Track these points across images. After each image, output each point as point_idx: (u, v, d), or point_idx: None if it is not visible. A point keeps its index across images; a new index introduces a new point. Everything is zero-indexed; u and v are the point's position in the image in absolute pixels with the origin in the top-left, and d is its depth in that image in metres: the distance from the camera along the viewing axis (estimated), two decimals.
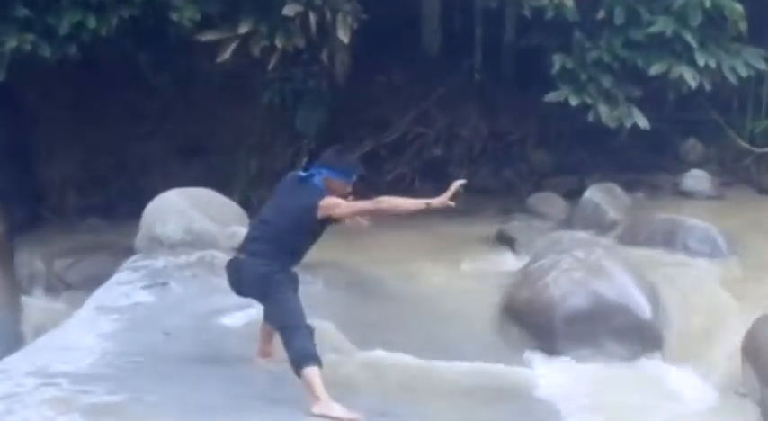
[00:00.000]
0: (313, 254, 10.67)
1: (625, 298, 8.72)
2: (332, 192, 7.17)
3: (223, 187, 12.10)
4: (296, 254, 7.34)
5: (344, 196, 7.26)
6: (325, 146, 12.95)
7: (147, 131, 13.77)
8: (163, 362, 7.70)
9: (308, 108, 13.07)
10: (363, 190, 13.05)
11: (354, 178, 7.37)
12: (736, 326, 8.32)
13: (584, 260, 9.16)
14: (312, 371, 6.76)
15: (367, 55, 12.92)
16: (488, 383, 7.82)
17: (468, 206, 12.72)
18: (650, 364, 8.39)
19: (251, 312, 8.88)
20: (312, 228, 7.25)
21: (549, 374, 8.19)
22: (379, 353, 8.23)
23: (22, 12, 11.20)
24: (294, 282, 7.39)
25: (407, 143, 13.71)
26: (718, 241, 10.71)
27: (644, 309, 8.70)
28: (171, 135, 13.74)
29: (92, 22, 11.21)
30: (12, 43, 11.05)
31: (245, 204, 12.13)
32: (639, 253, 10.42)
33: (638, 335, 8.54)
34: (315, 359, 6.80)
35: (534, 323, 8.72)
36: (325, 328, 8.18)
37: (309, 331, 6.94)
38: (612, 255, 9.43)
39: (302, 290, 9.40)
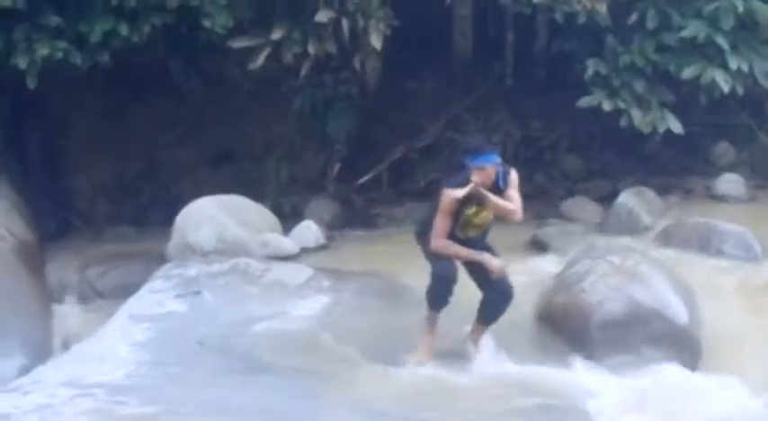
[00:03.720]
0: (341, 262, 10.77)
1: (662, 303, 8.62)
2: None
3: (254, 194, 12.08)
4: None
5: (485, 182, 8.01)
6: (356, 152, 13.14)
7: (178, 138, 13.75)
8: (197, 373, 7.70)
9: (338, 114, 13.02)
10: (395, 197, 13.23)
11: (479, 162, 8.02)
12: None
13: (620, 265, 9.08)
14: None
15: (398, 60, 12.88)
16: (525, 390, 7.79)
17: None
18: (688, 370, 8.29)
19: (284, 321, 8.90)
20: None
21: (585, 380, 8.13)
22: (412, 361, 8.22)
23: (54, 19, 11.20)
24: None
25: (439, 149, 13.63)
26: (753, 245, 10.62)
27: (681, 314, 8.60)
28: (201, 142, 13.72)
29: (124, 30, 11.20)
30: (43, 51, 11.05)
31: (277, 211, 12.11)
32: (674, 257, 10.32)
33: (675, 341, 8.43)
34: None
35: (570, 329, 8.64)
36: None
37: None
38: (648, 260, 9.35)
39: (333, 297, 9.49)
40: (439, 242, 8.14)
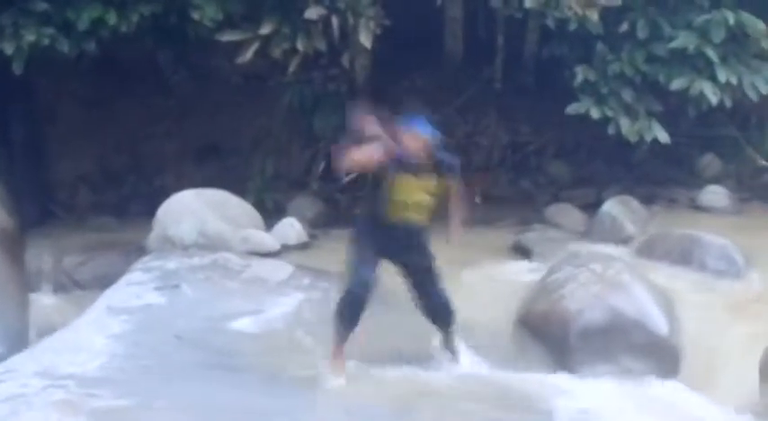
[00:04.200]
0: (322, 260, 10.71)
1: (643, 314, 8.56)
2: None
3: (237, 189, 12.04)
4: None
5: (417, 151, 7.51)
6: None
7: (164, 130, 13.73)
8: (173, 367, 7.64)
9: (326, 111, 12.99)
10: None
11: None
12: (754, 345, 8.23)
13: (601, 274, 9.03)
14: None
15: (388, 60, 12.85)
16: (502, 394, 7.75)
17: (485, 215, 12.73)
18: (666, 382, 8.25)
19: (262, 317, 8.84)
20: None
21: (562, 388, 8.09)
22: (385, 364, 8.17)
23: (41, 5, 11.14)
24: None
25: None
26: (736, 258, 10.60)
27: (662, 325, 8.55)
28: (187, 135, 13.69)
29: (112, 19, 11.16)
30: (30, 37, 11.00)
31: (260, 206, 12.07)
32: (656, 268, 10.32)
33: (654, 353, 8.38)
34: None
35: (550, 336, 8.58)
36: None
37: None
38: (630, 270, 9.31)
39: (313, 295, 9.43)
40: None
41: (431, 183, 7.63)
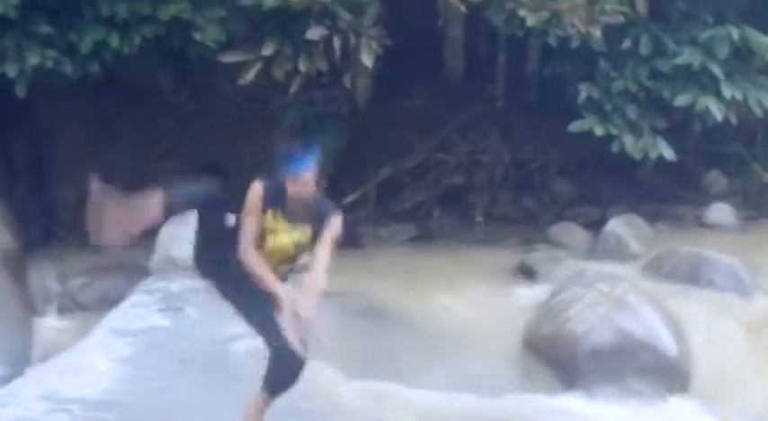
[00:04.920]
0: (329, 284, 10.65)
1: (651, 334, 8.55)
2: None
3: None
4: None
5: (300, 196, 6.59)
6: (343, 170, 13.05)
7: (165, 151, 13.66)
8: (178, 390, 7.60)
9: (328, 132, 12.92)
10: (380, 216, 13.14)
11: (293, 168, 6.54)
12: (764, 363, 8.20)
13: (608, 294, 9.01)
14: None
15: (389, 79, 12.79)
16: (510, 418, 7.71)
17: (488, 234, 12.70)
18: (676, 403, 8.22)
19: None
20: None
21: (570, 411, 8.05)
22: (388, 384, 8.12)
23: (45, 28, 11.11)
24: None
25: (428, 169, 13.57)
26: (743, 276, 10.53)
27: (670, 346, 8.53)
28: (188, 155, 13.62)
29: (115, 41, 11.12)
30: (33, 59, 10.96)
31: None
32: (663, 287, 10.24)
33: (663, 373, 8.37)
34: None
35: (556, 358, 8.57)
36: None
37: None
38: (637, 290, 9.27)
39: (319, 320, 9.37)
40: (250, 255, 6.47)
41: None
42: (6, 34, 11.09)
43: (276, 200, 6.55)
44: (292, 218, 6.59)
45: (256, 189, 6.53)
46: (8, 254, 10.63)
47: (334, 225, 6.60)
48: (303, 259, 6.79)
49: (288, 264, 6.76)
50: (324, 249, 6.52)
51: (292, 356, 6.39)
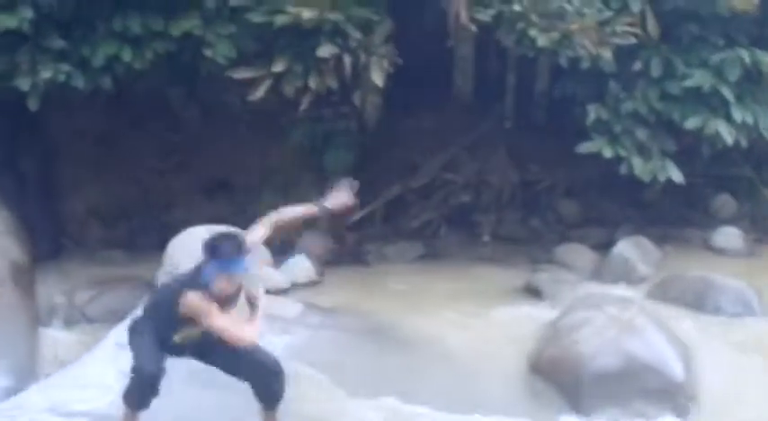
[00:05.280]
0: (331, 298, 10.69)
1: (657, 358, 8.53)
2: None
3: (246, 225, 11.96)
4: None
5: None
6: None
7: (173, 166, 13.69)
8: (183, 404, 7.60)
9: (336, 149, 12.97)
10: (387, 234, 13.15)
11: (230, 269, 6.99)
12: None
13: (616, 317, 8.98)
14: None
15: (398, 98, 12.83)
16: None
17: (494, 254, 12.70)
18: None
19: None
20: None
21: None
22: (394, 403, 8.12)
23: (58, 43, 11.17)
24: None
25: (435, 188, 13.57)
26: (751, 300, 10.52)
27: (677, 370, 8.51)
28: (197, 170, 13.65)
29: (127, 55, 11.17)
30: (46, 73, 11.02)
31: (267, 244, 12.01)
32: (670, 311, 10.22)
33: (669, 397, 8.35)
34: None
35: (562, 380, 8.54)
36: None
37: None
38: (644, 313, 9.25)
39: (319, 335, 9.39)
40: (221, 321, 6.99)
41: None
42: (20, 48, 11.15)
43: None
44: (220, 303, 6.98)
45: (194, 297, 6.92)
46: (17, 266, 10.64)
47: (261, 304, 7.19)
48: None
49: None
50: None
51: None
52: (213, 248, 6.98)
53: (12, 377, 8.75)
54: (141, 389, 7.07)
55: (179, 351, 7.30)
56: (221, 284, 6.94)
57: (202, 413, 7.21)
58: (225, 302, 7.05)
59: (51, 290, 10.99)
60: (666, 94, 12.29)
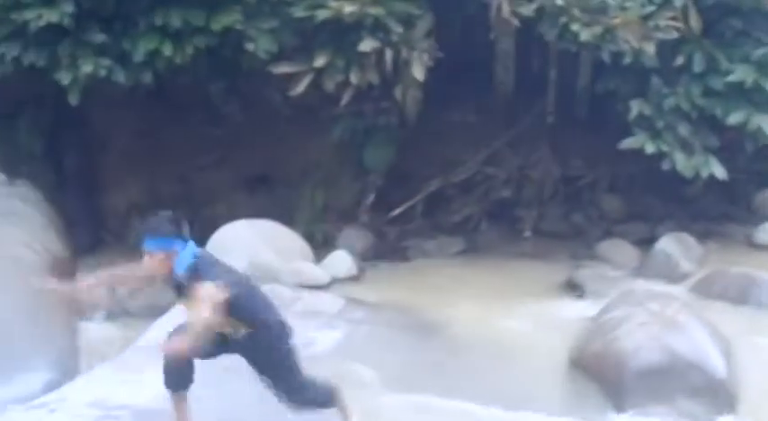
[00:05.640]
0: (373, 293, 10.68)
1: (700, 355, 8.45)
2: None
3: (287, 220, 12.02)
4: None
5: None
6: (391, 182, 13.04)
7: (214, 161, 13.72)
8: (224, 398, 7.60)
9: (377, 144, 12.95)
10: (427, 229, 13.12)
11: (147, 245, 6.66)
12: None
13: (659, 313, 8.91)
14: None
15: (439, 92, 12.78)
16: None
17: (535, 249, 12.64)
18: None
19: (313, 350, 8.80)
20: None
21: None
22: (435, 399, 8.08)
23: (99, 37, 11.20)
24: None
25: (476, 183, 13.52)
26: None
27: (719, 367, 8.42)
28: (237, 165, 13.68)
29: (168, 50, 11.19)
30: (87, 68, 11.06)
31: (309, 238, 12.04)
32: (713, 307, 10.17)
33: (712, 394, 8.26)
34: None
35: (604, 376, 8.48)
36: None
37: None
38: (687, 309, 9.18)
39: (361, 330, 9.39)
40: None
41: None
42: (61, 42, 11.21)
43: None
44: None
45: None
46: (58, 260, 10.71)
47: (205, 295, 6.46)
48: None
49: None
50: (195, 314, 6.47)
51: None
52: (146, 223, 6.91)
53: (54, 371, 8.79)
54: (174, 368, 6.84)
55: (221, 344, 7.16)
56: (144, 262, 6.68)
57: (244, 406, 7.19)
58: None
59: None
60: (709, 89, 12.19)
